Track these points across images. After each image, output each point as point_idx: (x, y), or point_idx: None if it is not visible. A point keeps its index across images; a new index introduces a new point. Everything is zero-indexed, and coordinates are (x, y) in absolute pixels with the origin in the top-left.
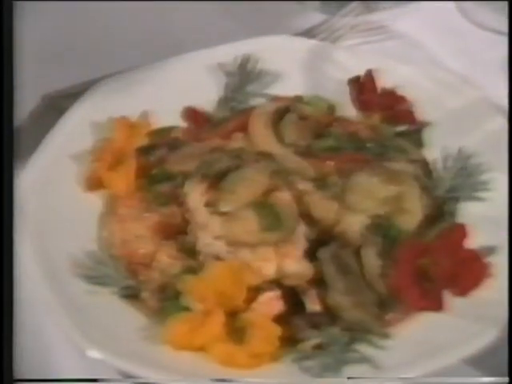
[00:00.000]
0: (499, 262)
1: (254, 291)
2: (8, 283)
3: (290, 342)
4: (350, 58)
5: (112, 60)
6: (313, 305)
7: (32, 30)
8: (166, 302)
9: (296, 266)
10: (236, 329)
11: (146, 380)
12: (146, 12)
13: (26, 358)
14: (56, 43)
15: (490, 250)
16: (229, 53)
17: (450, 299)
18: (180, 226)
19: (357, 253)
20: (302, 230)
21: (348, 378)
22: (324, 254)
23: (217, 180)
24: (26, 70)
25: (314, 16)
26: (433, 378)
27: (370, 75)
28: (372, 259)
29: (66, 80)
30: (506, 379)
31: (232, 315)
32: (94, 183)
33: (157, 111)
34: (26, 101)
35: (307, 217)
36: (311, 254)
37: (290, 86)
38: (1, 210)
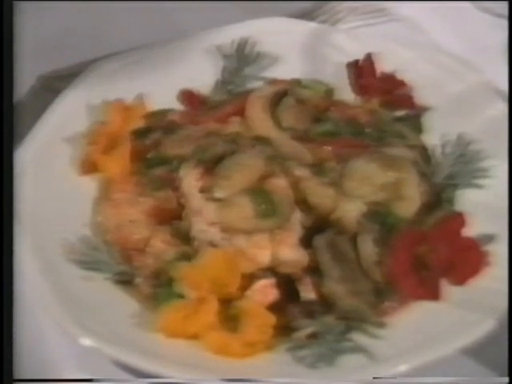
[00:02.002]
0: (497, 250)
1: (249, 279)
2: (8, 283)
3: (284, 330)
4: (350, 41)
5: (109, 42)
6: (307, 293)
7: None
8: (159, 288)
9: (291, 253)
10: (230, 317)
11: (150, 379)
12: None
13: (24, 353)
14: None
15: (489, 239)
16: (226, 35)
17: (447, 288)
18: (175, 211)
19: (353, 240)
20: (298, 216)
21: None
22: (319, 241)
23: (212, 165)
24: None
25: None
26: (433, 377)
27: (369, 59)
28: (368, 247)
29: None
30: (506, 379)
31: (226, 303)
32: (89, 167)
33: (153, 94)
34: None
35: (303, 203)
36: (307, 242)
37: (288, 69)
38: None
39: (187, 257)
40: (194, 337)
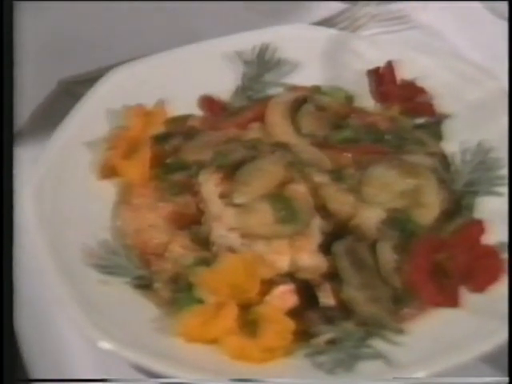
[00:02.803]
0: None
1: (268, 284)
2: (8, 284)
3: (303, 336)
4: (370, 48)
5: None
6: (327, 299)
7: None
8: (178, 293)
9: (310, 259)
10: (249, 322)
11: (164, 379)
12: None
13: (39, 355)
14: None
15: (508, 246)
16: (247, 41)
17: (466, 295)
18: (194, 217)
19: (372, 247)
20: (317, 222)
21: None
22: (339, 247)
23: (232, 171)
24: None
25: (334, 5)
26: (432, 378)
27: (389, 66)
28: (387, 253)
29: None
30: (506, 379)
31: (245, 308)
32: (108, 171)
33: (173, 99)
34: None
35: (322, 209)
36: (326, 248)
37: (308, 75)
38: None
39: (206, 262)
40: (213, 342)
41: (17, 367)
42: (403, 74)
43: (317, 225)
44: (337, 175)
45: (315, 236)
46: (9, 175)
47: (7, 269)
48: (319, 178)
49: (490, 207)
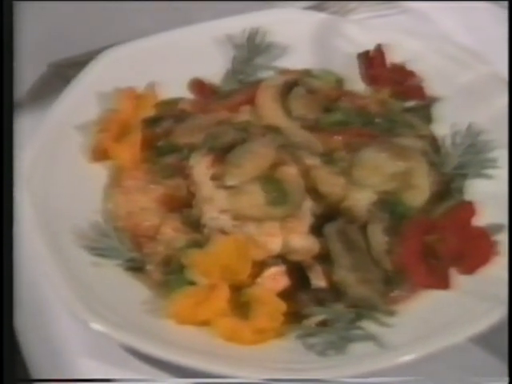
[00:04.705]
0: (507, 239)
1: (259, 266)
2: (7, 283)
3: (294, 318)
4: (360, 31)
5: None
6: (318, 281)
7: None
8: (170, 275)
9: (302, 241)
10: (241, 304)
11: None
12: None
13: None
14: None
15: (498, 228)
16: (237, 25)
17: (456, 277)
18: (185, 199)
19: (363, 229)
20: (309, 205)
21: None
22: (330, 229)
23: (223, 153)
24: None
25: None
26: (433, 378)
27: (379, 50)
28: (378, 235)
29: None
30: (506, 380)
31: (237, 290)
32: (100, 154)
33: (164, 82)
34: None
35: (314, 192)
36: (317, 230)
37: (299, 59)
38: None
39: (198, 244)
40: (205, 323)
41: (17, 367)
42: (393, 57)
43: (308, 207)
44: (328, 158)
45: (306, 218)
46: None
47: (7, 265)
48: (310, 161)
49: (480, 189)
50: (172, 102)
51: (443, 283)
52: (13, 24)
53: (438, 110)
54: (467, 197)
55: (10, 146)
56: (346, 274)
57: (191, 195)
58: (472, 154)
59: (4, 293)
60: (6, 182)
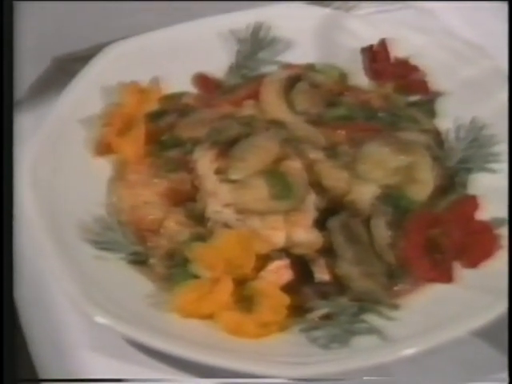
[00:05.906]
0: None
1: (263, 260)
2: (8, 283)
3: (298, 311)
4: (364, 26)
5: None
6: (322, 274)
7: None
8: (174, 268)
9: (305, 235)
10: (244, 297)
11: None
12: None
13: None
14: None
15: (501, 222)
16: (241, 20)
17: (460, 271)
18: (189, 193)
19: (366, 223)
20: (312, 198)
21: None
22: (333, 223)
23: (227, 147)
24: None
25: None
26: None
27: (383, 44)
28: (382, 229)
29: None
30: (506, 380)
31: (240, 283)
32: (104, 148)
33: (168, 77)
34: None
35: (317, 186)
36: (321, 224)
37: (303, 53)
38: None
39: (202, 238)
40: (209, 317)
41: (17, 367)
42: (397, 52)
43: (312, 201)
44: (331, 152)
45: (310, 212)
46: (9, 174)
47: (7, 260)
48: (314, 155)
49: (483, 183)
50: (176, 97)
51: (446, 277)
52: (13, 24)
53: (441, 105)
54: (471, 191)
55: (9, 144)
56: (349, 268)
57: (195, 189)
58: (475, 148)
59: (5, 290)
60: (6, 177)
